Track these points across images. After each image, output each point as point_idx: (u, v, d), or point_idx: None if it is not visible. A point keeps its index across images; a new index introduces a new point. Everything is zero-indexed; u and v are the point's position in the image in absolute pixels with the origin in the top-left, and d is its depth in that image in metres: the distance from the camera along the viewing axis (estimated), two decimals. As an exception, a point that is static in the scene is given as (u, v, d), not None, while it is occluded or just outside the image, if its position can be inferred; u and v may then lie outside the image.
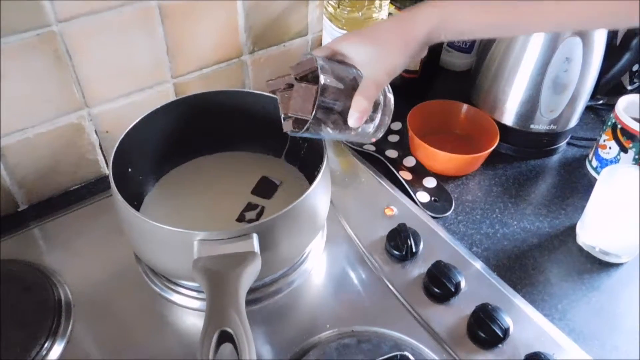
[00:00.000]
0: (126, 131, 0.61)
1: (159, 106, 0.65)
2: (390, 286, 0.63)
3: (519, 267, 0.67)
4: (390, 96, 0.58)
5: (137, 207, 0.66)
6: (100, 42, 0.66)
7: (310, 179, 0.66)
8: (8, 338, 0.56)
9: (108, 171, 0.56)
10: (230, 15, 0.76)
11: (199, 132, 0.70)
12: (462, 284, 0.62)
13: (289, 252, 0.60)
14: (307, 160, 0.70)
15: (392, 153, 0.83)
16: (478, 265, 0.65)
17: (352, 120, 0.53)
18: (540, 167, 0.84)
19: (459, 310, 0.60)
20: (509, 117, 0.82)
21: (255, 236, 0.51)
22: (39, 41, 0.61)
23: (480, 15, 0.52)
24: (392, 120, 0.87)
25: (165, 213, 0.66)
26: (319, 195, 0.59)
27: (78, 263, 0.65)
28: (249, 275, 0.49)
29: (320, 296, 0.63)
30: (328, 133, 0.55)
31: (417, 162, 0.81)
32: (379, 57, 0.53)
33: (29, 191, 0.72)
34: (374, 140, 0.60)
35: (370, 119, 0.56)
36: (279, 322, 0.60)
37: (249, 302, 0.54)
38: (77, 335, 0.58)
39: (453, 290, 0.61)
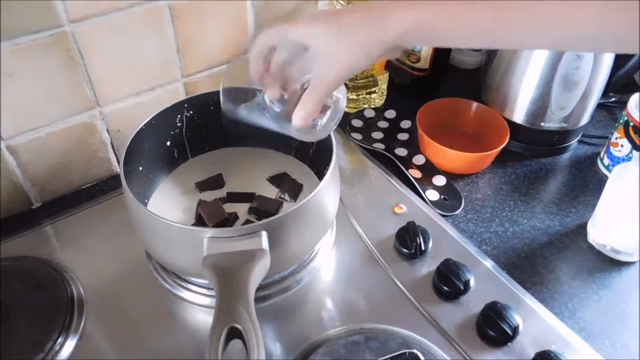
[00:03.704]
0: (137, 130, 0.62)
1: (169, 105, 0.65)
2: (399, 284, 0.63)
3: (529, 266, 0.67)
4: (341, 98, 0.53)
5: (148, 205, 0.67)
6: (112, 41, 0.67)
7: (320, 176, 0.66)
8: (22, 334, 0.57)
9: (119, 169, 0.57)
10: (240, 14, 0.76)
11: (209, 130, 0.71)
12: (472, 282, 0.62)
13: (298, 250, 0.60)
14: (316, 157, 0.70)
15: (401, 151, 0.83)
16: (487, 263, 0.65)
17: (297, 119, 0.49)
18: (551, 165, 0.83)
19: (468, 308, 0.60)
20: (519, 115, 0.82)
21: (264, 234, 0.51)
22: (52, 41, 0.62)
23: (466, 19, 0.43)
24: (402, 119, 0.89)
25: (176, 210, 0.67)
26: (328, 193, 0.59)
27: (90, 260, 0.66)
28: (258, 272, 0.49)
29: (329, 293, 0.64)
30: (267, 120, 0.54)
31: (427, 160, 0.81)
32: (338, 53, 0.46)
33: (41, 189, 0.73)
34: (314, 140, 0.55)
35: (315, 121, 0.52)
36: (288, 319, 0.60)
37: (258, 299, 0.54)
38: (89, 331, 0.58)
39: (462, 288, 0.61)
